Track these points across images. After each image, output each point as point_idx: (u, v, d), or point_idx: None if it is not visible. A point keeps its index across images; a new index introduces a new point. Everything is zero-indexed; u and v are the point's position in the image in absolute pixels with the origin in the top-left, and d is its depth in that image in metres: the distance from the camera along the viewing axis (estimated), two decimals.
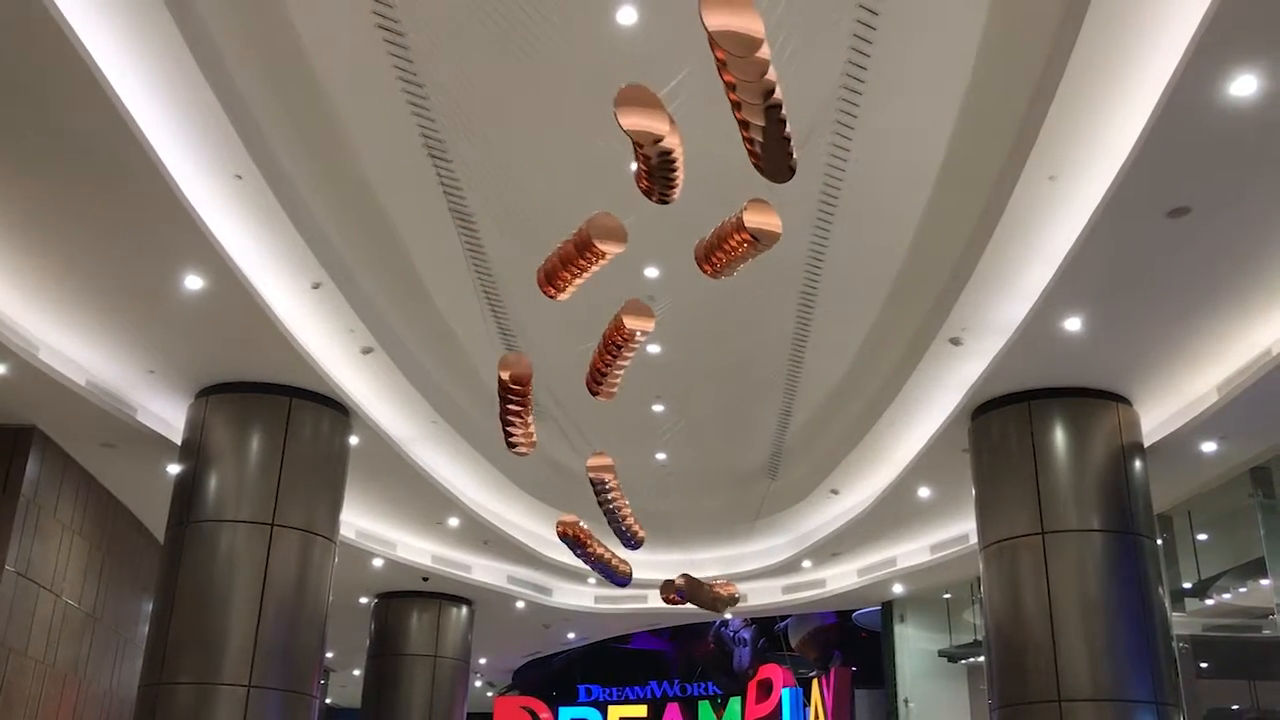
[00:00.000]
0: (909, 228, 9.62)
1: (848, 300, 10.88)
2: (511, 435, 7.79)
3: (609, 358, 6.50)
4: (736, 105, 4.76)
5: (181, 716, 10.03)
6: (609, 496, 9.01)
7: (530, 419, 7.77)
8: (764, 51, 4.50)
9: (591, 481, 8.90)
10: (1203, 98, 6.58)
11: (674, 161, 5.16)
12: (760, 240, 5.32)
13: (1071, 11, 6.74)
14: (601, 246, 5.68)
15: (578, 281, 6.05)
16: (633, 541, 10.77)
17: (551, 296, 6.15)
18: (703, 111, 7.03)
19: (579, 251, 5.77)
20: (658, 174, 5.30)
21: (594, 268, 5.94)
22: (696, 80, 6.95)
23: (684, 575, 11.26)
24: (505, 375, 7.16)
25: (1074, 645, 10.05)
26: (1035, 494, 10.62)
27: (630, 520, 10.35)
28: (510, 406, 7.41)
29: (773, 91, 4.67)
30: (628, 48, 7.59)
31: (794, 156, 5.01)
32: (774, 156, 4.96)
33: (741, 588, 17.98)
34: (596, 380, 6.77)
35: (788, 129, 4.88)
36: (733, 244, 5.41)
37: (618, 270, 9.80)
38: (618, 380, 6.91)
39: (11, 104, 7.02)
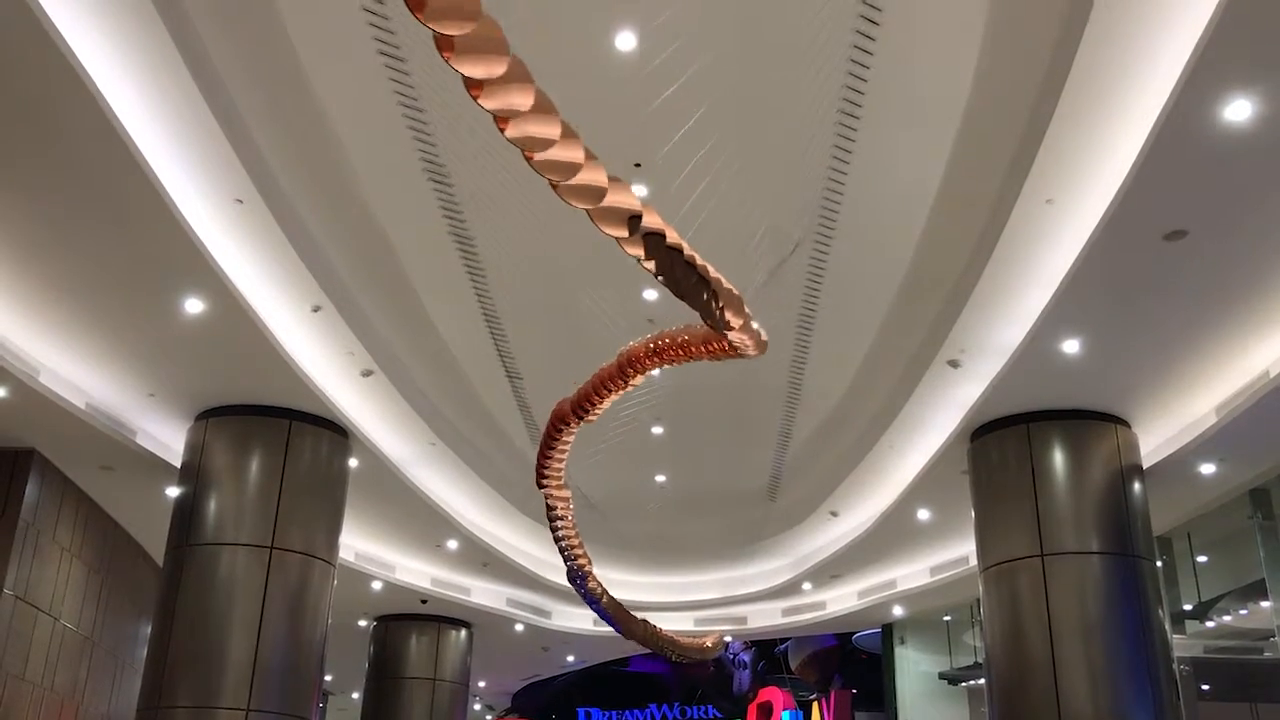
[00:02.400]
0: (907, 250, 9.64)
1: (846, 322, 10.90)
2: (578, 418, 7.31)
3: (612, 386, 6.11)
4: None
5: None
6: (553, 457, 8.32)
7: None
8: (593, 177, 3.01)
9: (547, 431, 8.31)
10: (1198, 121, 6.62)
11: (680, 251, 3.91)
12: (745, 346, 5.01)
13: (1067, 36, 6.79)
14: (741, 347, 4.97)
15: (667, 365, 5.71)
16: (575, 569, 10.23)
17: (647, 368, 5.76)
18: (703, 135, 7.10)
19: (703, 343, 5.28)
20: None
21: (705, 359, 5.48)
22: (702, 107, 7.02)
23: (597, 580, 10.83)
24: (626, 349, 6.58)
25: (1074, 667, 10.02)
26: (1034, 516, 10.61)
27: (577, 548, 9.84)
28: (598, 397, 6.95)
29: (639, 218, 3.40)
30: (626, 72, 7.63)
31: (710, 283, 4.10)
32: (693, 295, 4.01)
33: (741, 610, 18.06)
34: (585, 409, 6.33)
35: (698, 262, 3.87)
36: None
37: (617, 293, 9.90)
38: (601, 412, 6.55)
39: (12, 126, 7.04)
